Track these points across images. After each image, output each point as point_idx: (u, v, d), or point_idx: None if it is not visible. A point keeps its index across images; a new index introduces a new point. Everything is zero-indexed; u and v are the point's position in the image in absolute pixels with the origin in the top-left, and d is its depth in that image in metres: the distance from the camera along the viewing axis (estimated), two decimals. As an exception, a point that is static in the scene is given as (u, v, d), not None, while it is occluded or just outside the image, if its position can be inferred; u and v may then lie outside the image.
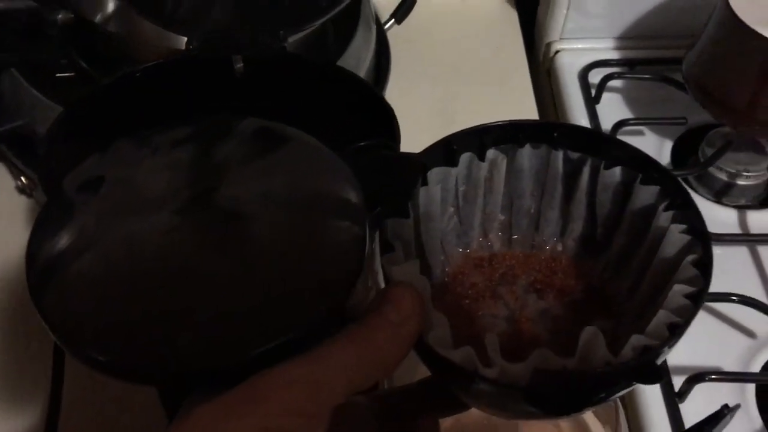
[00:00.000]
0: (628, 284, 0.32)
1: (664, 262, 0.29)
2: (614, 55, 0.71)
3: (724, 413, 0.33)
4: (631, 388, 0.27)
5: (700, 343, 0.52)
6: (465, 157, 0.33)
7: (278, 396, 0.23)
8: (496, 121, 0.33)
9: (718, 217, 0.60)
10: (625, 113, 0.66)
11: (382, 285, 0.30)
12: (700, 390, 0.48)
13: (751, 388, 0.50)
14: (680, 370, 0.50)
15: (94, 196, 0.28)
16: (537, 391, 0.26)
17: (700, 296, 0.27)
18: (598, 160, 0.32)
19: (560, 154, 0.33)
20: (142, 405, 0.47)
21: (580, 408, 0.28)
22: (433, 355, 0.27)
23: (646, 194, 0.31)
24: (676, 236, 0.29)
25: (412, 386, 0.32)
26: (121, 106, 0.33)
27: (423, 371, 0.30)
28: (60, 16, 0.47)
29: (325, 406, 0.24)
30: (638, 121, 0.64)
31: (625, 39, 0.72)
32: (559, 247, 0.35)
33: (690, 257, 0.28)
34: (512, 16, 0.76)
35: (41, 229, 0.27)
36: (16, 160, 0.52)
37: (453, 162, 0.33)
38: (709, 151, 0.61)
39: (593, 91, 0.67)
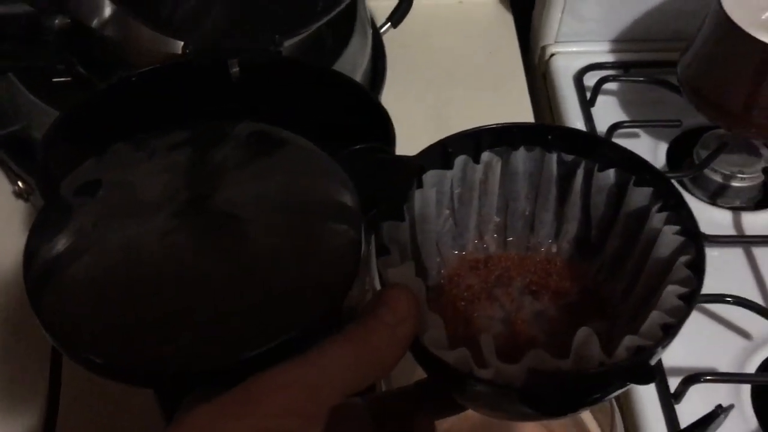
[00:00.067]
0: (622, 286, 0.32)
1: (657, 263, 0.30)
2: (609, 58, 0.72)
3: (717, 413, 0.33)
4: (625, 389, 0.27)
5: (696, 345, 0.52)
6: (460, 160, 0.33)
7: (275, 397, 0.23)
8: (490, 123, 0.33)
9: (713, 218, 0.61)
10: (620, 116, 0.67)
11: (379, 287, 0.30)
12: (695, 391, 0.48)
13: (746, 389, 0.50)
14: (676, 371, 0.50)
15: (91, 200, 0.28)
16: (532, 392, 0.26)
17: (693, 297, 0.27)
18: (591, 162, 0.32)
19: (554, 157, 0.33)
20: (140, 407, 0.47)
21: (575, 408, 0.28)
22: (428, 356, 0.27)
23: (639, 196, 0.31)
24: (669, 237, 0.29)
25: (408, 388, 0.32)
26: (117, 110, 0.33)
27: (421, 373, 0.30)
28: (57, 21, 0.48)
29: (322, 407, 0.24)
30: (633, 123, 0.65)
31: (620, 42, 0.72)
32: (554, 249, 0.35)
33: (683, 258, 0.28)
34: (508, 20, 0.77)
35: (39, 232, 0.27)
36: (13, 164, 0.52)
37: (448, 165, 0.33)
38: (704, 153, 0.61)
39: (588, 94, 0.68)
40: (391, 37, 0.65)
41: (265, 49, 0.36)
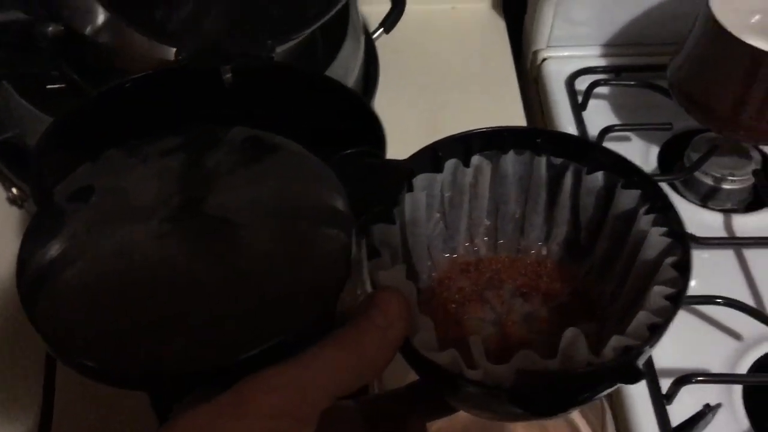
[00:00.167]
0: (611, 287, 0.32)
1: (645, 264, 0.30)
2: (600, 62, 0.72)
3: (705, 412, 0.33)
4: (613, 388, 0.27)
5: (688, 346, 0.53)
6: (450, 164, 0.33)
7: (267, 398, 0.23)
8: (480, 127, 0.33)
9: (704, 220, 0.61)
10: (612, 119, 0.67)
11: (370, 290, 0.30)
12: (687, 392, 0.48)
13: (737, 389, 0.50)
14: (668, 372, 0.50)
15: (84, 206, 0.28)
16: (521, 392, 0.27)
17: (680, 297, 0.27)
18: (580, 165, 0.33)
19: (543, 160, 0.33)
20: (134, 411, 0.47)
21: (565, 408, 0.28)
22: (419, 357, 0.27)
23: (627, 198, 0.32)
24: (656, 239, 0.30)
25: (400, 390, 0.33)
26: (111, 116, 0.34)
27: (414, 376, 0.31)
28: (51, 28, 0.48)
29: (313, 409, 0.24)
30: (624, 127, 0.65)
31: (611, 46, 0.73)
32: (544, 252, 0.35)
33: (670, 259, 0.29)
34: (500, 25, 0.77)
35: (32, 238, 0.28)
36: (7, 171, 0.53)
37: (438, 168, 0.33)
38: (695, 156, 0.62)
39: (580, 98, 0.68)
40: (383, 43, 0.65)
41: (258, 55, 0.36)
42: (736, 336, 0.53)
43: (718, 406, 0.34)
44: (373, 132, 0.33)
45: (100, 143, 0.31)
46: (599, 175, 0.32)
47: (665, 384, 0.49)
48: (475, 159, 0.34)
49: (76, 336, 0.26)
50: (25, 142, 0.49)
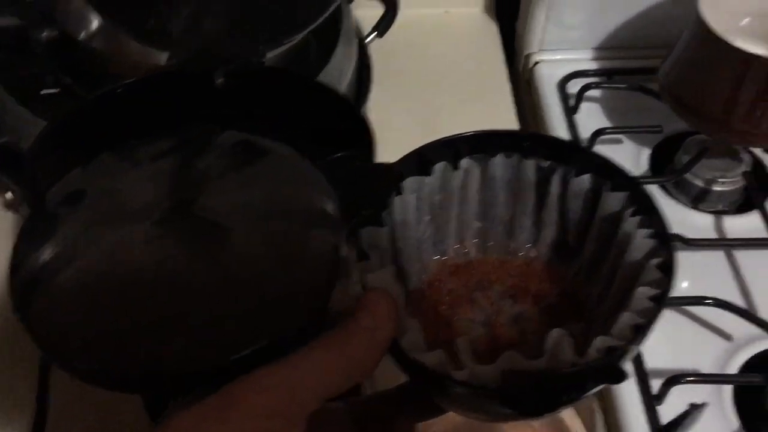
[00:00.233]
0: (598, 288, 0.33)
1: (630, 266, 0.30)
2: (592, 65, 0.73)
3: (690, 412, 0.34)
4: (599, 388, 0.28)
5: (679, 346, 0.53)
6: (439, 167, 0.34)
7: (257, 399, 0.24)
8: (469, 131, 0.34)
9: (695, 222, 0.62)
10: (603, 122, 0.68)
11: (359, 292, 0.30)
12: (678, 392, 0.48)
13: (728, 389, 0.51)
14: (658, 372, 0.51)
15: (77, 209, 0.29)
16: (508, 393, 0.27)
17: (663, 298, 0.28)
18: (567, 168, 0.33)
19: (531, 163, 0.34)
20: (128, 413, 0.47)
21: (551, 408, 0.29)
22: (406, 359, 0.27)
23: (613, 201, 0.32)
24: (641, 241, 0.30)
25: (390, 391, 0.33)
26: (104, 120, 0.34)
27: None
28: (45, 33, 0.48)
29: (302, 410, 0.24)
30: (616, 129, 0.66)
31: (603, 50, 0.73)
32: (533, 254, 0.36)
33: (654, 260, 0.29)
34: (492, 29, 0.78)
35: (24, 242, 0.28)
36: (1, 175, 0.53)
37: (427, 172, 0.34)
38: (686, 159, 0.62)
39: (572, 101, 0.69)
40: (377, 47, 0.66)
41: (249, 60, 0.37)
42: (726, 336, 0.54)
43: (704, 405, 0.34)
44: (363, 136, 0.33)
45: (93, 147, 0.32)
46: (586, 178, 0.33)
47: (656, 384, 0.49)
48: (464, 162, 0.34)
49: (68, 339, 0.27)
50: (19, 147, 0.49)
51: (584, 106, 0.69)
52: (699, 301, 0.53)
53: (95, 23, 0.47)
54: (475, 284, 0.35)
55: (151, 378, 0.26)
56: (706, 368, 0.52)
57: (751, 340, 0.53)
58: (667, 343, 0.53)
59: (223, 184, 0.30)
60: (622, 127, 0.66)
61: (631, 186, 0.32)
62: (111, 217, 0.29)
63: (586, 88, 0.68)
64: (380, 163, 0.32)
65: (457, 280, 0.35)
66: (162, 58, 0.41)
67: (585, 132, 0.66)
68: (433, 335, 0.32)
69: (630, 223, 0.31)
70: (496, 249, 0.36)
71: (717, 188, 0.62)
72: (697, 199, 0.63)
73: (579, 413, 0.42)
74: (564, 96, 0.69)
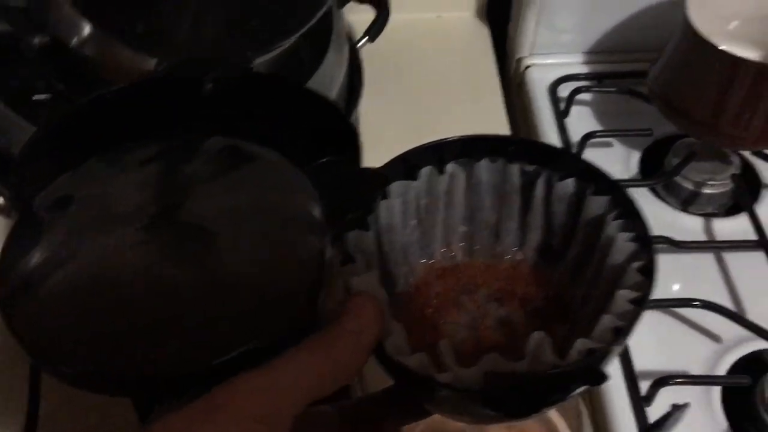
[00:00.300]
0: (582, 291, 0.33)
1: (613, 268, 0.31)
2: (583, 69, 0.73)
3: (672, 412, 0.34)
4: (581, 389, 0.28)
5: (668, 348, 0.54)
6: (425, 171, 0.34)
7: (241, 404, 0.24)
8: (453, 136, 0.34)
9: (684, 225, 0.62)
10: (594, 126, 0.68)
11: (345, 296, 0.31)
12: (667, 394, 0.49)
13: (716, 390, 0.51)
14: (648, 374, 0.51)
15: (64, 214, 0.29)
16: (490, 395, 0.27)
17: (644, 300, 0.28)
18: (552, 172, 0.34)
19: (516, 168, 0.34)
20: (119, 416, 0.48)
21: (535, 409, 0.29)
22: (390, 361, 0.28)
23: (596, 204, 0.32)
24: (623, 244, 0.31)
25: (377, 394, 0.33)
26: (93, 126, 0.34)
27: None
28: (37, 40, 0.48)
29: (287, 413, 0.25)
30: (606, 133, 0.66)
31: (593, 54, 0.74)
32: (519, 257, 0.36)
33: (635, 264, 0.30)
34: (484, 33, 0.78)
35: (12, 246, 0.28)
36: (-6, 180, 0.53)
37: (413, 176, 0.34)
38: (675, 162, 0.63)
39: (562, 105, 0.69)
40: (368, 51, 0.66)
41: (237, 66, 0.37)
42: (715, 338, 0.54)
43: (686, 405, 0.34)
44: (350, 141, 0.33)
45: (82, 152, 0.32)
46: (570, 182, 0.33)
47: (644, 386, 0.50)
48: (450, 167, 0.34)
49: (57, 344, 0.27)
50: (11, 152, 0.50)
51: (575, 109, 0.69)
52: (687, 303, 0.53)
53: (87, 29, 0.48)
54: (461, 288, 0.35)
55: (138, 381, 0.27)
56: (695, 370, 0.52)
57: (739, 342, 0.54)
58: (656, 345, 0.53)
59: (210, 189, 0.30)
60: (613, 130, 0.67)
61: (614, 190, 0.32)
62: (98, 222, 0.29)
63: (577, 91, 0.69)
64: (366, 167, 0.33)
65: (443, 283, 0.35)
66: (153, 63, 0.41)
67: (575, 135, 0.66)
68: (419, 338, 0.33)
69: (612, 226, 0.31)
70: (483, 253, 0.36)
71: (706, 191, 0.63)
72: (687, 202, 0.63)
73: (566, 415, 0.42)
74: (555, 99, 0.70)
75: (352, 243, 0.31)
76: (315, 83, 0.53)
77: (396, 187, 0.33)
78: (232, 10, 0.42)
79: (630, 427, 0.49)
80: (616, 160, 0.66)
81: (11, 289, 0.27)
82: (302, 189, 0.31)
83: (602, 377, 0.26)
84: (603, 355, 0.27)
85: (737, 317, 0.53)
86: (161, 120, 0.34)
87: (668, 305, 0.54)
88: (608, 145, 0.67)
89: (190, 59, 0.37)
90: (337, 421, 0.33)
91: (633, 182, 0.63)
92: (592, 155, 0.64)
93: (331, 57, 0.56)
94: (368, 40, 0.65)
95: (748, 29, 0.63)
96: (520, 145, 0.34)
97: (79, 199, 0.30)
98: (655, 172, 0.65)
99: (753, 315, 0.54)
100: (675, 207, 0.63)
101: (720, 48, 0.56)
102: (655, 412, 0.49)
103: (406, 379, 0.28)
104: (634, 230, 0.31)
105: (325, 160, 0.33)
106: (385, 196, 0.33)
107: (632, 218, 0.31)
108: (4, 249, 0.28)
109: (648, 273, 0.29)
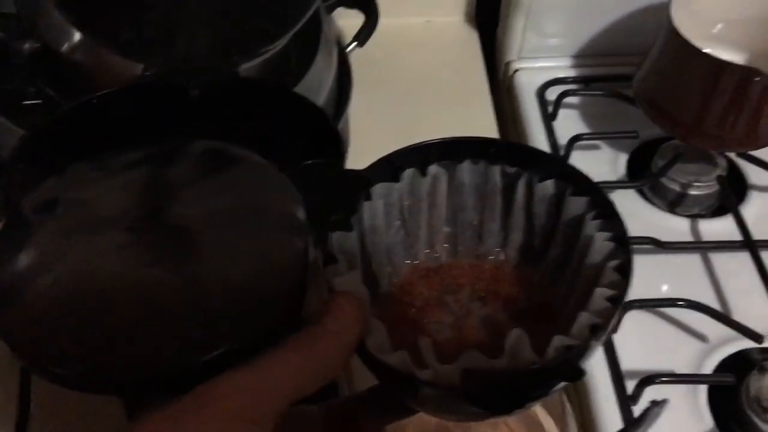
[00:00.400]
0: (563, 290, 0.34)
1: (591, 268, 0.31)
2: (570, 73, 0.74)
3: (651, 408, 0.35)
4: (561, 386, 0.29)
5: (655, 348, 0.54)
6: (408, 173, 0.35)
7: (223, 402, 0.24)
8: (435, 138, 0.35)
9: (671, 226, 0.63)
10: (581, 128, 0.69)
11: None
12: (653, 392, 0.49)
13: (703, 389, 0.52)
14: (634, 373, 0.51)
15: (50, 217, 0.29)
16: (471, 391, 0.28)
17: (620, 298, 0.29)
18: (532, 174, 0.34)
19: (497, 169, 0.35)
20: (111, 416, 0.48)
21: (516, 405, 0.30)
22: (372, 359, 0.28)
23: (575, 205, 0.33)
24: (601, 243, 0.31)
25: (363, 393, 0.34)
26: (80, 131, 0.35)
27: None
28: (27, 45, 0.49)
29: (269, 412, 0.25)
30: (593, 135, 0.67)
31: (580, 57, 0.75)
32: (502, 257, 0.36)
33: (613, 262, 0.30)
34: (473, 38, 0.79)
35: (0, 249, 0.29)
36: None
37: (396, 178, 0.34)
38: (662, 163, 0.63)
39: (550, 108, 0.70)
40: (357, 55, 0.66)
41: (222, 71, 0.38)
42: (701, 338, 0.55)
43: (665, 401, 0.35)
44: (333, 144, 0.34)
45: (70, 157, 0.32)
46: (550, 183, 0.34)
47: (631, 385, 0.50)
48: (432, 168, 0.35)
49: (45, 345, 0.27)
50: (1, 157, 0.50)
51: (562, 112, 0.70)
52: (673, 302, 0.54)
53: (77, 36, 0.48)
54: (445, 288, 0.36)
55: (126, 380, 0.27)
56: (681, 369, 0.53)
57: (724, 341, 0.54)
58: (642, 345, 0.54)
59: (194, 192, 0.30)
60: (600, 133, 0.67)
61: (593, 191, 0.33)
62: (85, 225, 0.29)
63: (564, 95, 0.69)
64: (350, 170, 0.33)
65: (427, 283, 0.36)
66: (141, 70, 0.42)
67: (563, 138, 0.67)
68: (404, 338, 0.33)
69: (591, 226, 0.32)
70: (466, 253, 0.37)
71: (693, 192, 0.63)
72: (674, 203, 0.64)
73: (552, 414, 0.43)
74: (543, 103, 0.71)
75: (336, 244, 0.32)
76: (304, 87, 0.53)
77: (379, 188, 0.34)
78: (219, 16, 0.42)
79: (616, 425, 0.49)
80: (604, 162, 0.67)
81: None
82: (285, 191, 0.31)
83: (580, 373, 0.26)
84: (580, 352, 0.27)
85: (723, 317, 0.53)
86: (149, 125, 0.34)
87: (655, 305, 0.55)
88: (596, 147, 0.67)
89: (176, 65, 0.38)
90: (322, 420, 0.33)
91: (620, 184, 0.64)
92: (579, 157, 0.65)
93: (319, 61, 0.56)
94: (357, 45, 0.66)
95: (731, 32, 0.63)
96: (501, 147, 0.35)
97: (65, 202, 0.30)
98: (642, 173, 0.66)
99: (738, 315, 0.55)
100: (662, 208, 0.64)
101: (704, 51, 0.57)
102: (641, 410, 0.49)
103: (388, 376, 0.29)
104: (612, 230, 0.32)
105: (309, 162, 0.33)
106: (368, 198, 0.33)
107: (610, 218, 0.32)
108: (-10, 252, 0.29)
109: (625, 272, 0.30)
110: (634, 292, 0.51)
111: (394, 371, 0.28)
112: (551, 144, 0.67)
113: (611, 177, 0.65)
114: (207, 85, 0.35)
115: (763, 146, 0.61)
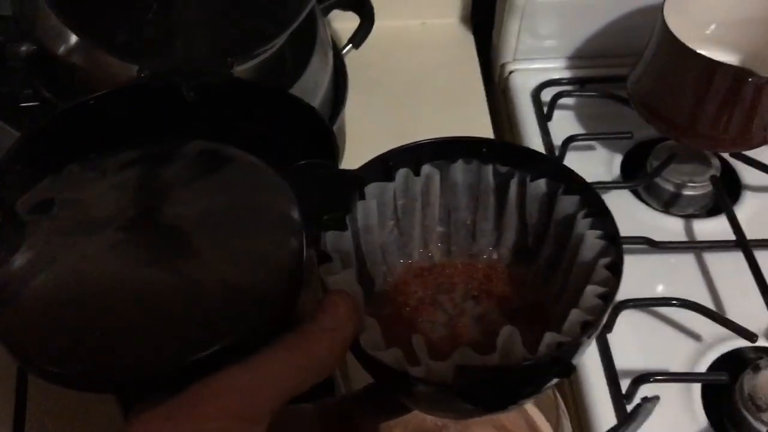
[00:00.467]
0: (555, 288, 0.34)
1: (582, 265, 0.31)
2: (565, 74, 0.74)
3: (641, 404, 0.35)
4: (553, 382, 0.29)
5: (649, 347, 0.54)
6: (401, 173, 0.35)
7: (216, 401, 0.24)
8: (429, 138, 0.35)
9: (666, 226, 0.63)
10: (576, 129, 0.69)
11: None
12: (648, 391, 0.49)
13: (697, 388, 0.52)
14: (628, 372, 0.52)
15: (46, 218, 0.30)
16: (464, 388, 0.28)
17: (611, 296, 0.29)
18: (524, 173, 0.34)
19: (490, 169, 0.35)
20: (107, 416, 0.48)
21: (508, 402, 0.30)
22: (366, 357, 0.28)
23: (567, 204, 0.33)
24: (592, 241, 0.31)
25: (358, 392, 0.34)
26: (76, 132, 0.35)
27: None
28: (24, 48, 0.49)
29: (263, 410, 0.25)
30: (588, 136, 0.67)
31: (575, 59, 0.75)
32: (495, 256, 0.37)
33: (603, 260, 0.30)
34: (468, 39, 0.79)
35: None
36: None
37: (390, 178, 0.35)
38: (656, 164, 0.64)
39: (545, 109, 0.70)
40: (353, 57, 0.67)
41: (218, 72, 0.38)
42: (695, 337, 0.55)
43: (656, 398, 0.35)
44: (328, 144, 0.34)
45: (65, 158, 0.33)
46: (542, 183, 0.34)
47: (626, 384, 0.51)
48: (425, 168, 0.35)
49: (40, 344, 0.28)
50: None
51: (557, 113, 0.70)
52: (668, 302, 0.54)
53: (73, 38, 0.49)
54: (439, 287, 0.36)
55: (121, 379, 0.27)
56: (675, 368, 0.53)
57: (718, 340, 0.54)
58: (637, 344, 0.54)
59: (189, 192, 0.31)
60: (595, 133, 0.68)
61: (584, 189, 0.33)
62: (79, 225, 0.30)
63: (559, 96, 0.70)
64: (344, 170, 0.33)
65: (421, 283, 0.36)
66: (137, 71, 0.42)
67: (558, 139, 0.67)
68: (398, 337, 0.33)
69: (582, 224, 0.32)
70: (460, 253, 0.37)
71: (687, 192, 0.64)
72: (668, 204, 0.64)
73: (546, 412, 0.43)
74: (538, 104, 0.71)
75: (330, 243, 0.32)
76: (299, 89, 0.54)
77: (372, 188, 0.34)
78: (215, 17, 0.42)
79: (611, 424, 0.49)
80: (599, 163, 0.67)
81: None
82: (279, 191, 0.31)
83: (571, 370, 0.26)
84: (571, 349, 0.28)
85: (717, 316, 0.53)
86: (144, 125, 0.35)
87: (649, 304, 0.55)
88: (590, 148, 0.68)
89: (171, 67, 0.38)
90: (317, 418, 0.33)
91: (615, 184, 0.64)
92: (574, 158, 0.66)
93: (315, 63, 0.57)
94: (353, 47, 0.66)
95: (724, 33, 0.64)
96: (494, 147, 0.35)
97: (61, 202, 0.30)
98: (636, 174, 0.66)
99: (732, 314, 0.55)
100: (656, 208, 0.64)
101: (697, 52, 0.57)
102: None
103: (382, 374, 0.29)
104: (603, 228, 0.32)
105: (303, 162, 0.33)
106: (362, 197, 0.34)
107: (601, 216, 0.32)
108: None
109: (616, 269, 0.30)
110: (629, 292, 0.52)
111: (388, 369, 0.28)
112: (546, 145, 0.67)
113: (606, 177, 0.66)
114: (203, 86, 0.36)
115: (757, 146, 0.61)
